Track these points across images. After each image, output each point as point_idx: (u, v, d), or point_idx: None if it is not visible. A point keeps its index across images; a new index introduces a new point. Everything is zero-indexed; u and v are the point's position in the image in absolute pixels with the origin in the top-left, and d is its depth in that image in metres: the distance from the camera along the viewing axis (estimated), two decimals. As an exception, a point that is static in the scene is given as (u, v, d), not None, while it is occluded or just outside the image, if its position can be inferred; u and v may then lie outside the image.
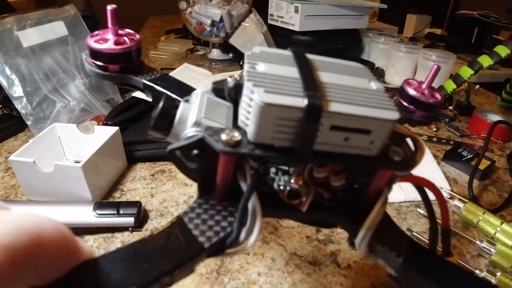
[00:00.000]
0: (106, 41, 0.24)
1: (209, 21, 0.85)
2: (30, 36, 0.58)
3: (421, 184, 0.22)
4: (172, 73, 0.73)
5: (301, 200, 0.18)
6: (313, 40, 0.86)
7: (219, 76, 0.70)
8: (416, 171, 0.56)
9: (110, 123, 0.55)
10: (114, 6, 0.23)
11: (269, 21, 0.91)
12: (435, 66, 0.23)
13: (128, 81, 0.26)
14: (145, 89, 0.25)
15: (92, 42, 0.24)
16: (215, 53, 0.94)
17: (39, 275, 0.12)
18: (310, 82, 0.15)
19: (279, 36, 0.90)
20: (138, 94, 0.62)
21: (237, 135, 0.15)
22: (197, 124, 0.17)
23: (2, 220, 0.11)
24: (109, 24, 0.24)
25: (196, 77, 0.72)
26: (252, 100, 0.15)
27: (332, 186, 0.18)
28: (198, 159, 0.17)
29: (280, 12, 0.87)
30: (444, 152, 0.56)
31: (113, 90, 0.67)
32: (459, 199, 0.44)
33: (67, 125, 0.49)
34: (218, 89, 0.19)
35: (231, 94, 0.18)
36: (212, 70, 0.84)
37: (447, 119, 0.68)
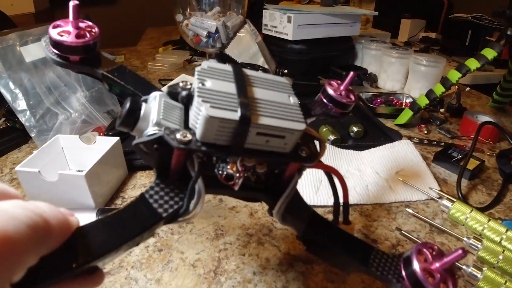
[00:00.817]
0: (68, 33, 0.27)
1: (205, 33, 0.88)
2: (32, 52, 0.61)
3: (327, 170, 0.30)
4: (169, 85, 0.75)
5: (234, 182, 0.23)
6: (306, 49, 0.89)
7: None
8: (406, 172, 0.58)
9: (110, 133, 0.57)
10: (76, 2, 0.26)
11: (263, 31, 0.94)
12: (351, 73, 0.29)
13: (86, 70, 0.29)
14: (103, 79, 0.28)
15: (55, 34, 0.26)
16: (212, 63, 0.96)
17: (47, 249, 0.17)
18: (243, 98, 0.20)
19: (274, 46, 0.92)
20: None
21: (188, 136, 0.20)
22: (157, 124, 0.21)
23: (23, 206, 0.16)
24: (71, 18, 0.26)
25: (194, 86, 0.75)
26: (200, 112, 0.19)
27: (257, 172, 0.24)
28: (157, 151, 0.21)
29: (273, 22, 0.89)
30: (434, 154, 0.58)
31: (113, 101, 0.70)
32: (447, 199, 0.46)
33: (70, 137, 0.51)
34: (173, 93, 0.23)
35: (183, 100, 0.23)
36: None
37: (438, 122, 0.70)
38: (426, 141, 0.63)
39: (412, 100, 0.74)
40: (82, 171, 0.45)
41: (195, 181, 0.21)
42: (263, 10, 0.92)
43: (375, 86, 0.89)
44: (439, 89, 0.65)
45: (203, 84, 0.21)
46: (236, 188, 0.23)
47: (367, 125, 0.64)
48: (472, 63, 0.63)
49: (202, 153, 0.21)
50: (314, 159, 0.23)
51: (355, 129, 0.60)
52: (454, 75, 0.64)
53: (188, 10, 0.91)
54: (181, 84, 0.23)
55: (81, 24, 0.28)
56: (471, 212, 0.43)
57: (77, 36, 0.27)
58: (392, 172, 0.51)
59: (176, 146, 0.20)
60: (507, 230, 0.41)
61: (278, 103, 0.21)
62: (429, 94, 0.66)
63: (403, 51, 0.84)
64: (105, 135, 0.58)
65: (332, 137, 0.58)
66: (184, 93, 0.22)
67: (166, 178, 0.23)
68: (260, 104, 0.21)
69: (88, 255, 0.18)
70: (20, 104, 0.57)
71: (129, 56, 1.17)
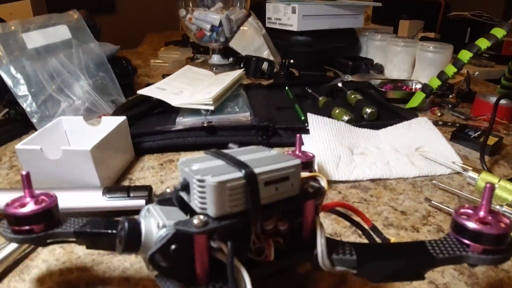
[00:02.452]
0: (25, 205, 0.25)
1: (208, 26, 0.87)
2: (35, 38, 0.59)
3: (337, 206, 0.28)
4: (175, 74, 0.73)
5: (265, 254, 0.22)
6: (311, 41, 0.88)
7: (221, 76, 0.71)
8: (426, 149, 0.57)
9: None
10: (27, 171, 0.25)
11: (267, 24, 0.93)
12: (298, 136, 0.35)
13: (55, 236, 0.26)
14: (77, 236, 0.25)
15: (12, 210, 0.24)
16: (216, 59, 0.95)
17: None
18: (237, 161, 0.21)
19: (278, 39, 0.92)
20: (143, 91, 0.62)
21: (203, 217, 0.19)
22: (163, 226, 0.20)
23: None
24: (24, 188, 0.25)
25: (199, 77, 0.73)
26: (205, 186, 0.19)
27: (281, 231, 0.23)
28: (176, 254, 0.20)
29: (277, 14, 0.89)
30: (451, 133, 0.56)
31: (117, 91, 0.68)
32: (473, 170, 0.43)
33: (73, 118, 0.48)
34: (162, 200, 0.23)
35: (178, 198, 0.22)
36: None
37: (450, 105, 0.69)
38: (440, 123, 0.61)
39: (421, 85, 0.72)
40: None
41: (232, 263, 0.19)
42: (266, 3, 0.91)
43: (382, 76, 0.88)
44: (451, 70, 0.64)
45: (191, 168, 0.20)
46: (271, 258, 0.22)
47: (380, 108, 0.62)
48: (483, 43, 0.62)
49: (225, 228, 0.19)
50: (322, 192, 0.23)
51: (368, 110, 0.59)
52: (465, 55, 0.63)
53: (191, 6, 0.90)
54: (167, 190, 0.24)
55: (36, 192, 0.26)
56: (499, 181, 0.41)
57: (36, 202, 0.25)
58: (412, 149, 0.49)
59: (196, 231, 0.19)
60: (540, 198, 0.38)
61: (266, 157, 0.23)
62: (441, 75, 0.65)
63: (408, 40, 0.83)
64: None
65: (346, 117, 0.56)
66: (181, 184, 0.21)
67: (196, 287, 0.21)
68: (253, 162, 0.21)
69: None
70: (21, 89, 0.55)
71: (130, 57, 1.15)
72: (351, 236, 0.35)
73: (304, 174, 0.23)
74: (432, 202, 0.39)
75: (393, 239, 0.30)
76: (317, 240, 0.23)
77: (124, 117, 0.47)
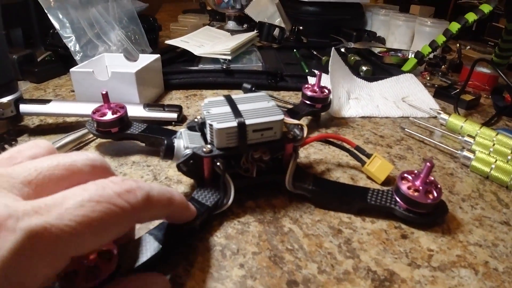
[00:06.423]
0: (105, 114, 0.38)
1: (226, -7, 0.95)
2: (78, -12, 0.68)
3: (319, 139, 0.38)
4: (196, 32, 0.82)
5: (251, 171, 0.32)
6: (320, 11, 0.95)
7: (237, 35, 0.80)
8: (411, 98, 0.68)
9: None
10: (105, 90, 0.38)
11: (280, -6, 1.01)
12: (318, 73, 0.44)
13: (126, 135, 0.39)
14: (138, 136, 0.39)
15: (97, 117, 0.38)
16: (231, 25, 1.03)
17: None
18: (237, 112, 0.30)
19: (289, 8, 0.99)
20: (170, 42, 0.71)
21: (210, 147, 0.29)
22: (187, 147, 0.30)
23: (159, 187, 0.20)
24: (105, 102, 0.38)
25: (217, 36, 0.81)
26: (212, 128, 0.29)
27: (264, 160, 0.32)
28: (192, 165, 0.30)
29: (290, -15, 0.96)
30: (435, 89, 0.64)
31: (145, 43, 0.76)
32: (445, 113, 0.52)
33: (114, 54, 0.57)
34: (191, 127, 0.33)
35: (200, 127, 0.33)
36: (229, 36, 0.93)
37: (440, 73, 0.77)
38: (428, 84, 0.69)
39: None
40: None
41: (223, 176, 0.30)
42: (280, -26, 0.98)
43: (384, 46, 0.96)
44: (441, 39, 0.71)
45: (209, 112, 0.30)
46: (253, 175, 0.32)
47: (375, 69, 0.70)
48: (470, 16, 0.70)
49: (221, 156, 0.29)
50: (299, 139, 0.31)
51: (364, 68, 0.67)
52: (454, 26, 0.70)
53: (211, -27, 0.98)
54: (195, 120, 0.33)
55: (112, 105, 0.39)
56: (465, 121, 0.50)
57: (113, 113, 0.38)
58: (399, 97, 0.58)
59: (204, 155, 0.29)
60: (497, 134, 0.47)
61: (261, 108, 0.31)
62: (432, 43, 0.72)
63: (409, 15, 0.91)
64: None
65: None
66: (199, 122, 0.32)
67: (204, 184, 0.31)
68: (248, 112, 0.30)
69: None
70: (67, 31, 0.64)
71: (150, 22, 1.23)
72: (344, 158, 0.43)
73: (292, 121, 0.32)
74: (406, 129, 0.48)
75: (375, 153, 0.37)
76: (288, 169, 0.32)
77: (158, 55, 0.56)
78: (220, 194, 0.30)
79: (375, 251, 0.28)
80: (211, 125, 0.29)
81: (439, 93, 0.63)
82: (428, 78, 0.73)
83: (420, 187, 0.30)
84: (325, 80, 0.58)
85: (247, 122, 0.29)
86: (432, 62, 0.80)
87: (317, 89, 0.44)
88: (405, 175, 0.32)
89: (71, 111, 0.45)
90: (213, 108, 0.31)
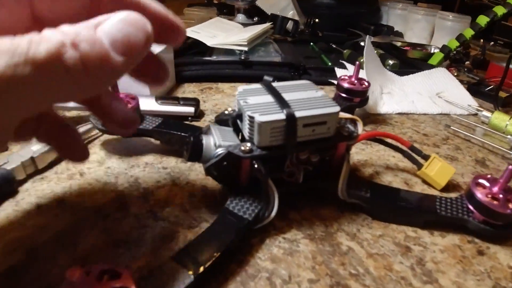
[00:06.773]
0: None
1: (236, -17, 0.89)
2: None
3: (369, 137, 0.32)
4: (207, 22, 0.77)
5: (295, 176, 0.26)
6: (335, 4, 0.91)
7: (250, 27, 0.74)
8: (446, 94, 0.61)
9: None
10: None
11: (293, -14, 0.96)
12: (357, 63, 0.38)
13: (138, 131, 0.33)
14: (153, 132, 0.33)
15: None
16: (240, 18, 0.98)
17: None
18: (283, 102, 0.24)
19: (302, 1, 0.94)
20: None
21: (249, 145, 0.23)
22: (219, 146, 0.24)
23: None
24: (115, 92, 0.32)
25: (228, 27, 0.76)
26: (253, 121, 0.23)
27: (312, 161, 0.26)
28: (226, 168, 0.24)
29: (304, -24, 0.91)
30: (467, 86, 0.60)
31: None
32: (487, 110, 0.48)
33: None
34: (220, 120, 0.27)
35: (235, 121, 0.26)
36: (238, 29, 0.87)
37: (465, 69, 0.73)
38: (457, 80, 0.65)
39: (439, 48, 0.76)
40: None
41: (266, 182, 0.24)
42: (293, -35, 0.93)
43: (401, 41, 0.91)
44: (469, 32, 0.67)
45: (246, 102, 0.24)
46: (300, 181, 0.26)
47: (401, 63, 0.65)
48: (499, 9, 0.66)
49: (264, 157, 0.24)
50: (355, 136, 0.26)
51: (391, 62, 0.62)
52: (483, 20, 0.66)
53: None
54: (226, 112, 0.27)
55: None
56: (510, 119, 0.45)
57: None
58: (433, 93, 0.53)
59: (243, 156, 0.23)
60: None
61: (310, 98, 0.25)
62: (459, 37, 0.68)
63: (428, 9, 0.86)
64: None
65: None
66: (234, 114, 0.26)
67: (239, 192, 0.25)
68: (297, 103, 0.24)
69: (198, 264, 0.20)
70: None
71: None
72: (391, 159, 0.37)
73: (345, 115, 0.27)
74: (451, 127, 0.43)
75: (433, 154, 0.32)
76: (341, 174, 0.26)
77: (170, 43, 0.51)
78: (261, 204, 0.24)
79: (454, 273, 0.23)
80: (251, 117, 0.23)
81: (472, 90, 0.59)
82: (455, 74, 0.69)
83: (500, 195, 0.25)
84: (368, 61, 0.51)
85: (297, 114, 0.23)
86: (456, 58, 0.76)
87: (356, 81, 0.39)
88: (480, 180, 0.27)
89: (74, 104, 0.40)
90: (251, 97, 0.24)
